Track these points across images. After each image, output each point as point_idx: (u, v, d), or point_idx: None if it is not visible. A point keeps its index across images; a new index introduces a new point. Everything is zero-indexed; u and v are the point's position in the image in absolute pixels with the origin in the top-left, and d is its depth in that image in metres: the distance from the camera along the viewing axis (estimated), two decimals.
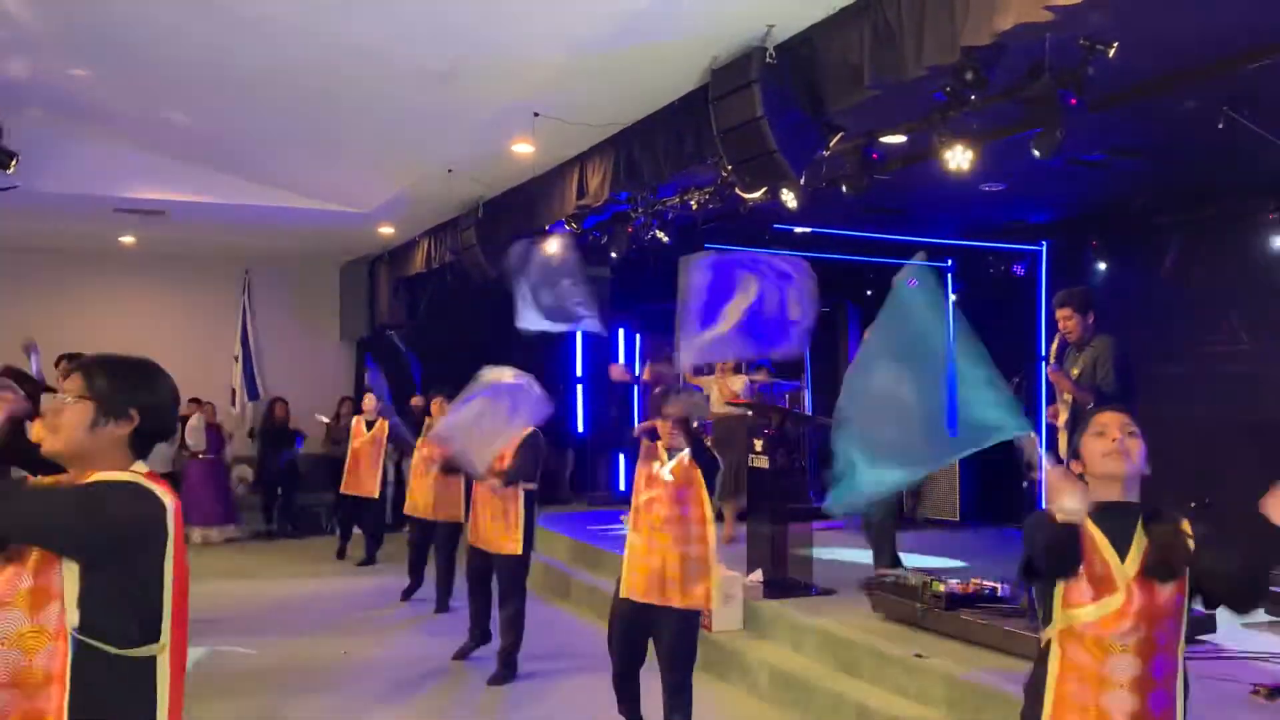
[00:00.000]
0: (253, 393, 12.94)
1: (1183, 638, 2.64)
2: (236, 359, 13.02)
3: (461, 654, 6.75)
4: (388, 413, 9.43)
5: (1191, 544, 2.60)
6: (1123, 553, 2.60)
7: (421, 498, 8.12)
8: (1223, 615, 5.84)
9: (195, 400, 11.73)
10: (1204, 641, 5.60)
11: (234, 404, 12.94)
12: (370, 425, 10.03)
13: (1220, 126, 5.99)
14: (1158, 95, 5.79)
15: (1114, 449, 2.67)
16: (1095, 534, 2.61)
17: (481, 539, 6.29)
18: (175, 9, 5.65)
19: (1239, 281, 8.62)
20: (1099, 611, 2.58)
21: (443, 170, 8.30)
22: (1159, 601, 2.59)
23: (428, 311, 11.94)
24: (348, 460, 10.13)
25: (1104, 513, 2.63)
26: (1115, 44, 4.53)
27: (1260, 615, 6.16)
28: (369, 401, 10.11)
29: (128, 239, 11.61)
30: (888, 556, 7.21)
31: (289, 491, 12.33)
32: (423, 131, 7.55)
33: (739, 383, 9.03)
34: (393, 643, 7.34)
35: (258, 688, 6.27)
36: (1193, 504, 8.79)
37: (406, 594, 8.59)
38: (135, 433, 2.25)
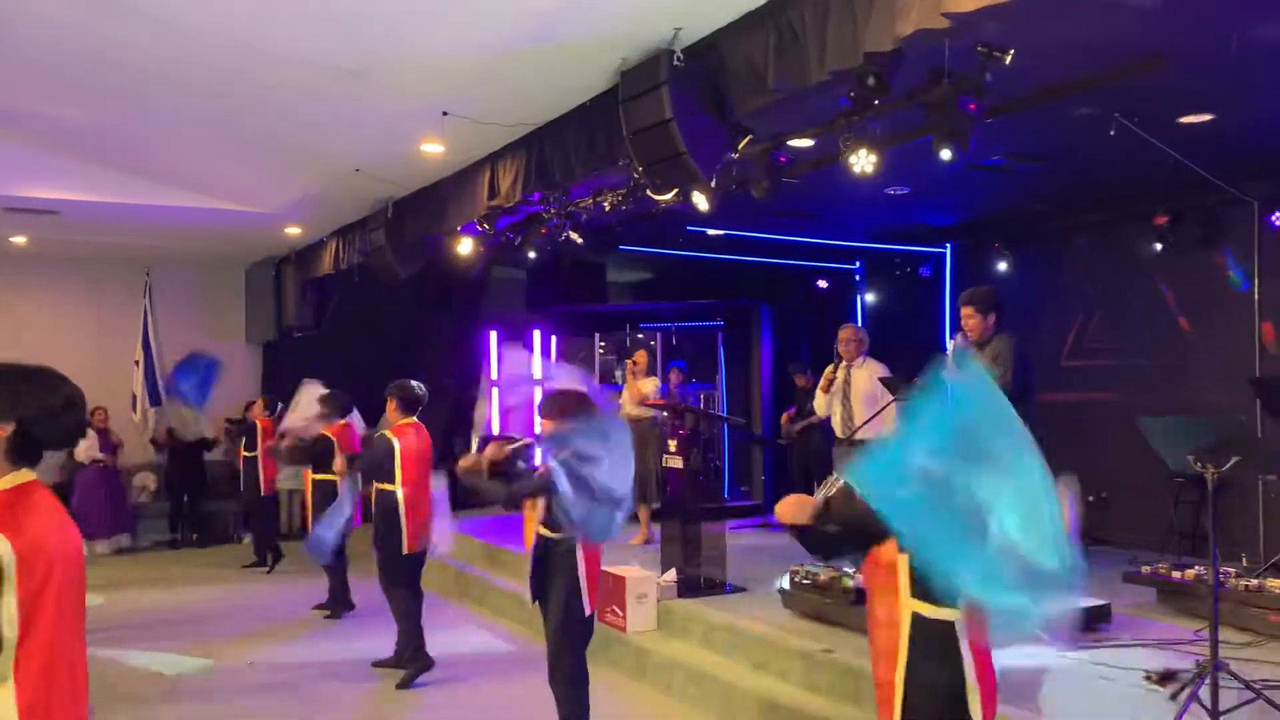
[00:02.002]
0: (154, 398, 12.55)
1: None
2: (137, 363, 12.62)
3: (385, 664, 6.64)
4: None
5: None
6: None
7: None
8: (1117, 604, 6.10)
9: None
10: (1098, 630, 5.80)
11: (135, 410, 12.54)
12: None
13: (1112, 133, 6.22)
14: (1053, 102, 5.98)
15: None
16: None
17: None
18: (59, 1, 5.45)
19: (1130, 281, 8.96)
20: None
21: (350, 170, 8.16)
22: None
23: (336, 314, 11.74)
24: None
25: None
26: (1011, 51, 4.65)
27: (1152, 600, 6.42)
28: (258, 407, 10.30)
29: (19, 239, 11.17)
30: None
31: (195, 499, 11.99)
32: (329, 130, 7.42)
33: (650, 385, 9.07)
34: (301, 651, 7.20)
35: (163, 696, 6.11)
36: (1090, 498, 9.12)
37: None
38: (18, 441, 2.17)
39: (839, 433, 7.09)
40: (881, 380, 6.74)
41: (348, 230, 10.25)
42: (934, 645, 2.74)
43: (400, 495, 6.31)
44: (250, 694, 6.21)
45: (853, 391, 7.05)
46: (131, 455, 12.18)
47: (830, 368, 7.37)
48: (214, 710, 5.93)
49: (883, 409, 6.51)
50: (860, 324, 11.80)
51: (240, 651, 7.11)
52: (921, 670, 2.73)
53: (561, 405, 4.60)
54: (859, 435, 6.91)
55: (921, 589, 2.74)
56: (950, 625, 2.75)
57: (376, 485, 6.36)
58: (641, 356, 9.40)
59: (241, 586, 9.51)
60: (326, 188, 8.87)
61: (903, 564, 2.79)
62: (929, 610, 2.75)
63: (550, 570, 4.61)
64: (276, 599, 8.79)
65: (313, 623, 8.06)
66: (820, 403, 7.32)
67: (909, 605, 2.77)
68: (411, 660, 6.35)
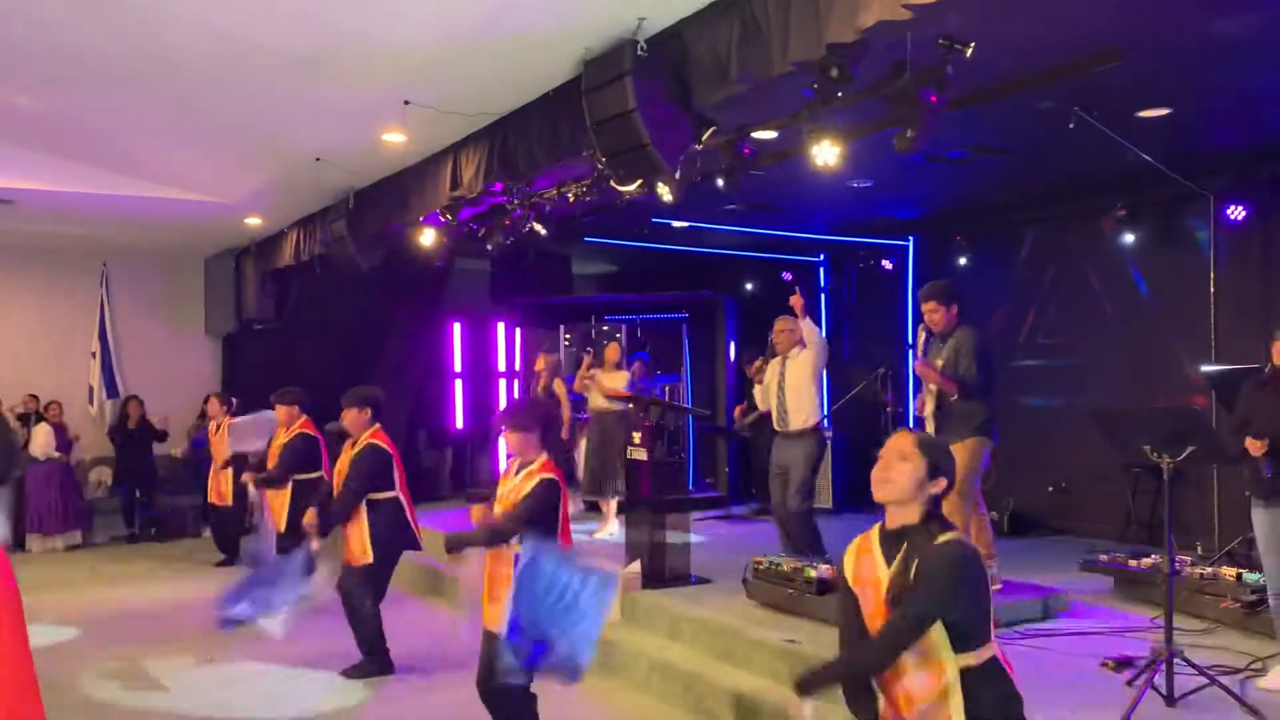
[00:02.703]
0: (111, 391, 12.37)
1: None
2: (94, 355, 12.42)
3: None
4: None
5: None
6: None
7: None
8: (1075, 592, 6.17)
9: (33, 396, 11.16)
10: (1056, 618, 5.88)
11: (91, 402, 12.36)
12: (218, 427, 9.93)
13: (1071, 126, 6.28)
14: (1014, 95, 6.02)
15: (875, 475, 2.79)
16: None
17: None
18: None
19: (1089, 274, 9.07)
20: None
21: (311, 159, 8.07)
22: None
23: (297, 305, 11.62)
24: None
25: (893, 536, 2.77)
26: (972, 44, 4.68)
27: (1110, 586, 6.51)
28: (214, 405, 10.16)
29: None
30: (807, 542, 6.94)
31: (150, 494, 11.83)
32: (290, 119, 7.33)
33: (620, 379, 9.06)
34: (261, 648, 7.12)
35: (118, 694, 6.01)
36: (1049, 488, 9.24)
37: None
38: None
39: (775, 425, 7.00)
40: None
41: (309, 221, 10.15)
42: (985, 683, 2.65)
43: (401, 500, 6.30)
44: (209, 691, 6.14)
45: (787, 384, 6.91)
46: (88, 449, 12.00)
47: (760, 360, 7.28)
48: (172, 707, 5.86)
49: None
50: (824, 316, 11.91)
51: (198, 649, 7.01)
52: (986, 715, 2.65)
53: (526, 418, 4.58)
54: (793, 428, 6.84)
55: (967, 641, 2.65)
56: (994, 659, 2.69)
57: (371, 496, 6.23)
58: (613, 351, 9.38)
59: (203, 583, 9.37)
60: (287, 177, 8.76)
61: (936, 630, 2.65)
62: (976, 657, 2.66)
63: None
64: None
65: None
66: (759, 396, 7.23)
67: (954, 663, 2.64)
68: (375, 659, 6.28)
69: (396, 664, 6.33)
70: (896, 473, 2.74)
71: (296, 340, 11.74)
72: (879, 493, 2.79)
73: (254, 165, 8.67)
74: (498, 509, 4.59)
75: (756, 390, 7.28)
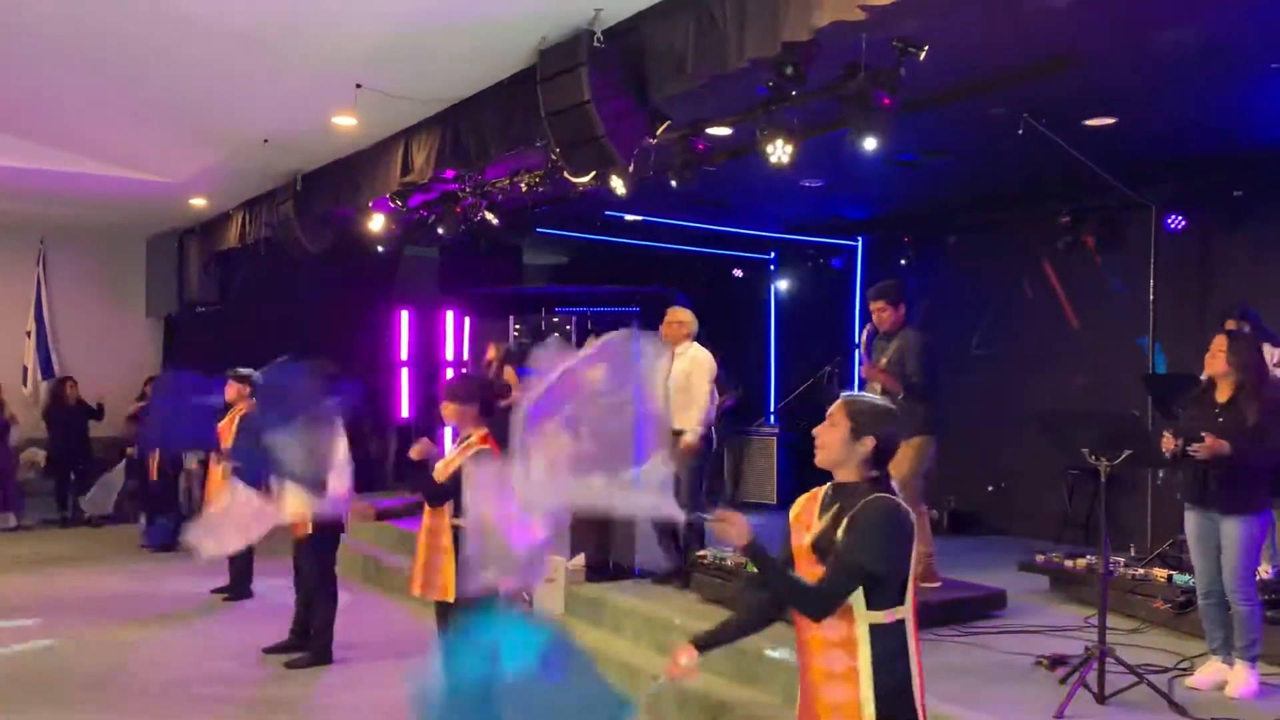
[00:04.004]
0: (47, 371, 12.09)
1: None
2: (29, 335, 12.12)
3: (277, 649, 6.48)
4: None
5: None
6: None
7: None
8: (1012, 591, 6.28)
9: None
10: (993, 616, 5.97)
11: (25, 383, 12.05)
12: None
13: (1020, 132, 6.37)
14: (966, 100, 6.10)
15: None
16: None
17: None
18: None
19: (1032, 279, 9.22)
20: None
21: (259, 141, 7.93)
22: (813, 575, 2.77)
23: (242, 288, 11.42)
24: None
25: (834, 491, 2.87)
26: (926, 47, 4.73)
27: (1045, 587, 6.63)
28: None
29: None
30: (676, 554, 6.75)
31: (85, 477, 11.55)
32: (238, 99, 7.19)
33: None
34: (195, 632, 7.01)
35: (44, 683, 5.88)
36: (989, 488, 9.39)
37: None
38: None
39: None
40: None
41: (255, 203, 9.98)
42: (890, 648, 2.70)
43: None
44: (141, 679, 6.02)
45: (673, 381, 6.46)
46: (22, 430, 11.69)
47: None
48: (102, 696, 5.74)
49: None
50: (773, 314, 11.99)
51: (132, 635, 6.89)
52: (886, 677, 2.69)
53: (465, 390, 4.59)
54: (676, 426, 6.39)
55: (882, 599, 2.70)
56: (901, 623, 2.73)
57: None
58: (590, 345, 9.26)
59: (137, 568, 9.21)
60: (234, 158, 8.60)
61: None
62: (885, 616, 2.70)
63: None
64: (174, 581, 8.52)
65: (211, 605, 7.85)
66: None
67: (865, 618, 2.69)
68: (316, 647, 6.23)
69: (335, 653, 6.28)
70: (825, 438, 2.85)
71: (240, 324, 11.51)
72: (816, 459, 2.90)
73: (200, 145, 8.49)
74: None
75: None
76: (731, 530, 2.70)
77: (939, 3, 3.85)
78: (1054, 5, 4.57)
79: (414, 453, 4.67)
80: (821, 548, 2.76)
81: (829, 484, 2.91)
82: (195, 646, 6.72)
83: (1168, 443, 4.71)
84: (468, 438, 4.59)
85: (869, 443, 2.79)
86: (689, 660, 2.88)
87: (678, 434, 6.53)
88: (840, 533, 2.71)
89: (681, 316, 6.74)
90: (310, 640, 6.29)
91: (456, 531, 4.47)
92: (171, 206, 10.74)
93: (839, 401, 2.90)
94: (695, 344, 6.70)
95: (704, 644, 2.94)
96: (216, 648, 6.66)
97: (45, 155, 8.97)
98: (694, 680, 2.90)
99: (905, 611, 2.75)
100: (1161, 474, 7.46)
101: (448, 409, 4.60)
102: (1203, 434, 4.57)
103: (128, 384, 11.85)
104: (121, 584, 8.50)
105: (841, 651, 2.72)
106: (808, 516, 2.89)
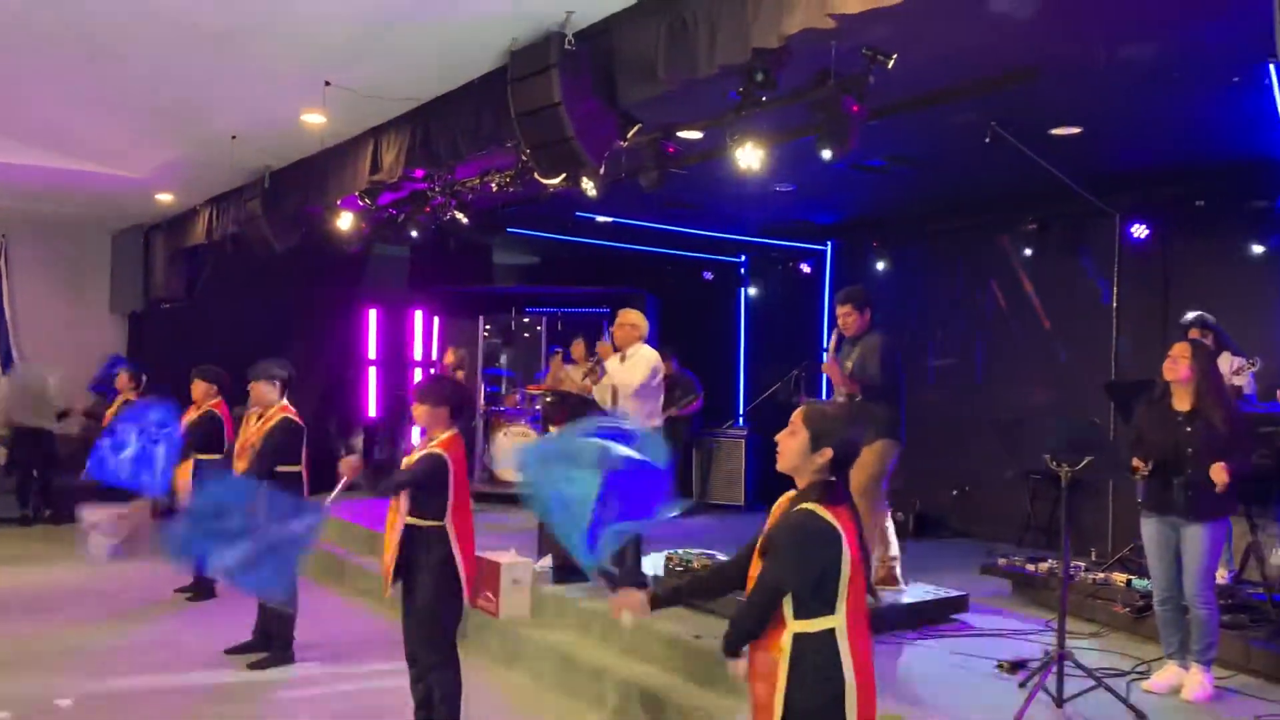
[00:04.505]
0: (8, 367, 11.90)
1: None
2: None
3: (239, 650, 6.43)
4: None
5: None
6: None
7: None
8: (974, 595, 6.34)
9: None
10: (955, 620, 6.03)
11: None
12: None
13: (987, 140, 6.44)
14: (933, 108, 6.15)
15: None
16: None
17: None
18: None
19: (998, 285, 9.31)
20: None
21: (227, 137, 7.86)
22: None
23: (208, 285, 11.31)
24: None
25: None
26: (894, 55, 4.78)
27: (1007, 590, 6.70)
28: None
29: None
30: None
31: (46, 474, 11.39)
32: (206, 94, 7.11)
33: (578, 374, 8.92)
34: (158, 632, 6.94)
35: (11, 679, 5.81)
36: (954, 492, 9.48)
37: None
38: None
39: None
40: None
41: (223, 199, 9.88)
42: (815, 658, 2.73)
43: (303, 476, 6.22)
44: (103, 678, 5.96)
45: (619, 381, 6.47)
46: None
47: (594, 360, 6.95)
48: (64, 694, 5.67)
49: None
50: (743, 317, 12.03)
51: (93, 634, 6.81)
52: (801, 686, 2.73)
53: (439, 393, 4.59)
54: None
55: (805, 609, 2.75)
56: (831, 632, 2.75)
57: (281, 468, 6.09)
58: (579, 347, 9.21)
59: (98, 568, 9.08)
60: (201, 154, 8.51)
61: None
62: (811, 625, 2.74)
63: (416, 557, 4.53)
64: (135, 580, 8.43)
65: (174, 605, 7.77)
66: (596, 394, 6.66)
67: (792, 627, 2.75)
68: (278, 648, 6.20)
69: (296, 654, 6.24)
70: (784, 446, 2.94)
71: (206, 321, 11.40)
72: (778, 464, 2.99)
73: (167, 140, 8.41)
74: None
75: (594, 388, 6.71)
76: (628, 613, 3.02)
77: (908, 12, 3.88)
78: (1021, 17, 4.62)
79: (343, 471, 4.68)
80: (764, 550, 2.87)
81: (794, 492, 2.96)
82: (156, 646, 6.65)
83: (1138, 465, 4.78)
84: (431, 440, 4.58)
85: (827, 453, 2.86)
86: (630, 619, 3.09)
87: None
88: (763, 546, 2.84)
89: (633, 319, 6.67)
90: (272, 641, 6.25)
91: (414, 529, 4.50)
92: (137, 201, 10.62)
93: (799, 410, 2.96)
94: (645, 345, 6.64)
95: (661, 602, 3.12)
96: (177, 647, 6.60)
97: (7, 148, 8.83)
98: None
99: (837, 621, 2.77)
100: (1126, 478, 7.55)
101: (419, 410, 4.59)
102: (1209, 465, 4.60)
103: (91, 381, 11.68)
104: (83, 583, 8.39)
105: (770, 655, 2.80)
106: (774, 516, 2.95)
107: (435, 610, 4.55)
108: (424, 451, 4.56)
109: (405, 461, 4.72)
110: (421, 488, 4.47)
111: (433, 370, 12.20)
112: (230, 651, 6.35)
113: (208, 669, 6.17)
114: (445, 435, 4.56)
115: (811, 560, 2.77)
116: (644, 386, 6.46)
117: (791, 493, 2.96)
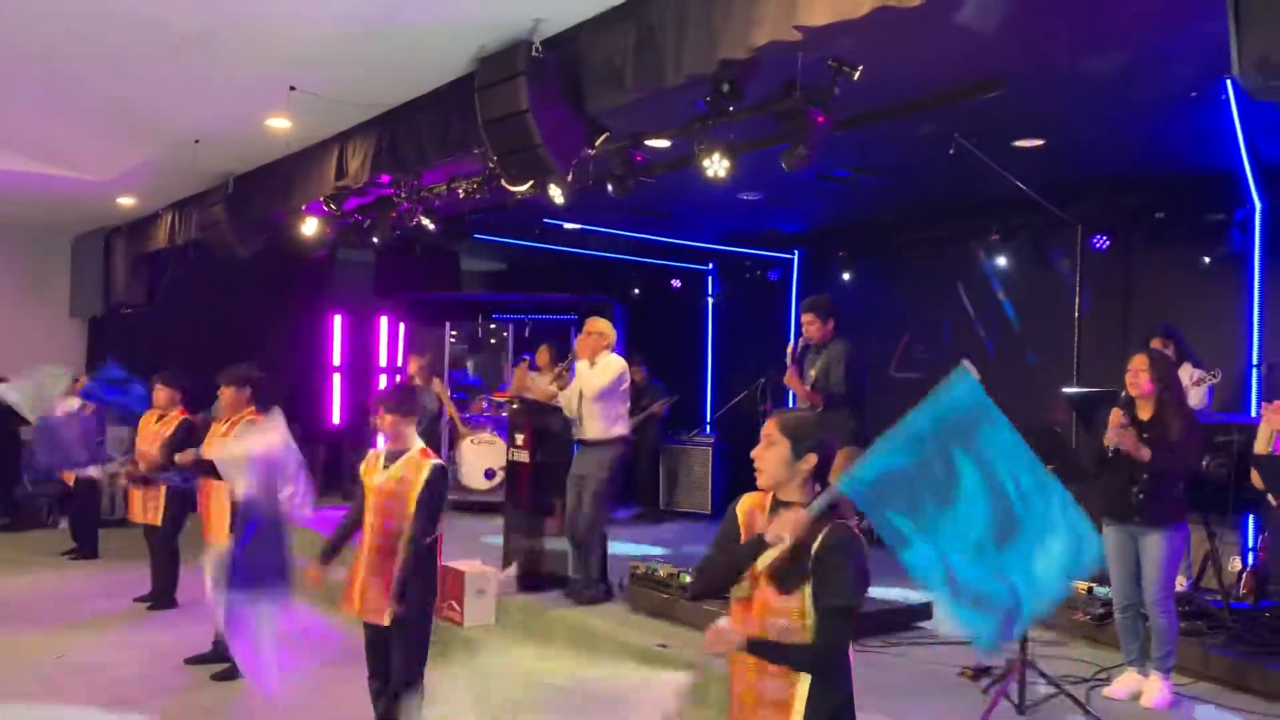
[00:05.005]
0: None
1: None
2: None
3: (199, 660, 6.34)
4: None
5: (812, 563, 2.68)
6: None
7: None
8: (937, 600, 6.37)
9: None
10: (919, 627, 6.06)
11: None
12: None
13: (951, 151, 6.51)
14: (898, 119, 6.20)
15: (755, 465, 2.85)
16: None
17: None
18: None
19: (963, 295, 9.39)
20: None
21: (190, 141, 7.77)
22: (773, 604, 2.73)
23: (170, 290, 11.17)
24: None
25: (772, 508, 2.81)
26: (860, 67, 4.81)
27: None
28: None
29: None
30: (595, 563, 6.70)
31: (6, 481, 11.19)
32: (170, 99, 7.03)
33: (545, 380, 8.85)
34: (117, 642, 6.83)
35: None
36: None
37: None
38: None
39: (574, 433, 6.67)
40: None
41: (185, 204, 9.77)
42: (830, 678, 2.70)
43: None
44: (59, 689, 5.86)
45: (585, 391, 6.50)
46: None
47: (564, 364, 6.99)
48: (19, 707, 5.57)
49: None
50: (710, 324, 12.04)
51: (50, 644, 6.69)
52: (822, 708, 2.68)
53: (408, 403, 4.56)
54: (589, 437, 6.49)
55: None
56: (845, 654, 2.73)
57: None
58: (545, 354, 9.18)
59: (57, 575, 8.95)
60: (164, 158, 8.41)
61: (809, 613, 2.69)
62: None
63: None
64: (95, 589, 8.30)
65: (133, 615, 7.65)
66: (561, 401, 6.74)
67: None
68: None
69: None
70: (764, 461, 2.81)
71: (168, 327, 11.27)
72: (758, 482, 2.84)
73: (129, 143, 8.30)
74: (370, 500, 4.50)
75: (560, 396, 6.77)
76: (722, 642, 2.71)
77: (873, 25, 3.91)
78: (984, 31, 4.67)
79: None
80: (783, 577, 2.70)
81: (772, 497, 2.84)
82: (115, 655, 6.55)
83: (1117, 414, 4.80)
84: (404, 451, 4.52)
85: (811, 459, 2.78)
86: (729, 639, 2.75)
87: (595, 443, 6.50)
88: (809, 575, 2.66)
89: (600, 327, 6.68)
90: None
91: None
92: (98, 205, 10.48)
93: (771, 420, 2.86)
94: (612, 354, 6.65)
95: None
96: (136, 657, 6.50)
97: None
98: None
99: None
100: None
101: (386, 419, 4.53)
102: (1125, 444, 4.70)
103: None
104: (42, 590, 8.26)
105: (779, 681, 2.70)
106: (754, 523, 2.83)
107: (424, 623, 4.52)
108: (427, 468, 4.44)
109: (376, 480, 4.55)
110: (438, 508, 4.47)
111: (398, 378, 12.13)
112: (191, 661, 6.28)
113: (166, 677, 6.10)
114: (420, 446, 4.52)
115: (863, 575, 2.75)
116: (608, 391, 6.47)
117: (764, 500, 2.85)
